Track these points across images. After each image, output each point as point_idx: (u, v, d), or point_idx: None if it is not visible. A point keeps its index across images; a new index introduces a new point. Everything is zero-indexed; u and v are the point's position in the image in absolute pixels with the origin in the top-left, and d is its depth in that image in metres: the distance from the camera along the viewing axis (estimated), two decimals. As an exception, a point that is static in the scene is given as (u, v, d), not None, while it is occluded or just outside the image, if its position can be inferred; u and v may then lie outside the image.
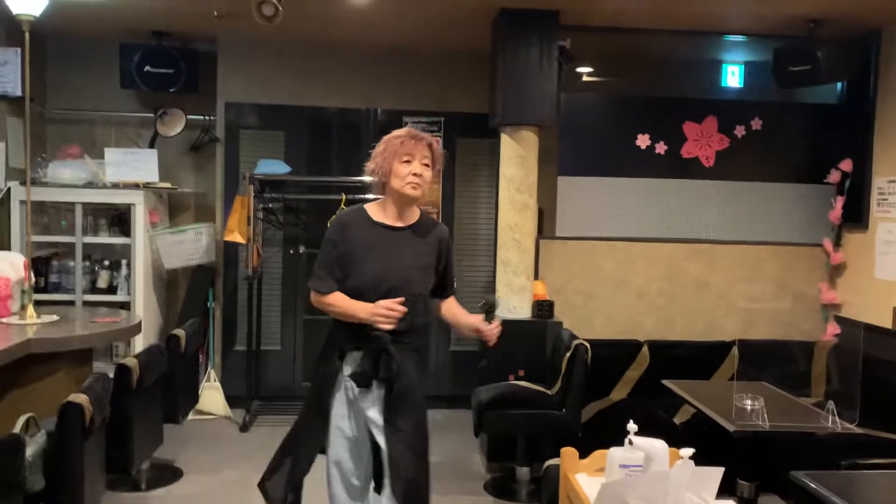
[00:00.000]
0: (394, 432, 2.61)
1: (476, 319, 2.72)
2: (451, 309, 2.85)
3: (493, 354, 4.66)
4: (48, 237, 5.41)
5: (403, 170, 2.60)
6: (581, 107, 5.30)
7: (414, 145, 2.61)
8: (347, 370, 2.65)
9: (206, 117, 5.82)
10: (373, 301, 2.59)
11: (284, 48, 5.67)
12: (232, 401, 5.55)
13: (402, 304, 2.58)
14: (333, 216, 2.87)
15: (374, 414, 2.64)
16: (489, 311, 2.69)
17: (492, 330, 2.69)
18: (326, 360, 2.72)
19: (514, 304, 4.69)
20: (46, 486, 2.73)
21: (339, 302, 2.64)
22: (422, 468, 2.65)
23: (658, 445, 2.16)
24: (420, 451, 2.65)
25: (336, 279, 2.66)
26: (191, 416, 5.22)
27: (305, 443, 2.73)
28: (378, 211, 2.71)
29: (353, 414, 2.68)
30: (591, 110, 5.36)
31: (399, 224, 2.69)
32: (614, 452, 2.19)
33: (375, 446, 2.69)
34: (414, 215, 2.71)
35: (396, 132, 2.68)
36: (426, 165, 2.63)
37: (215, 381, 5.63)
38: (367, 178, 2.78)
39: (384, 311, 2.54)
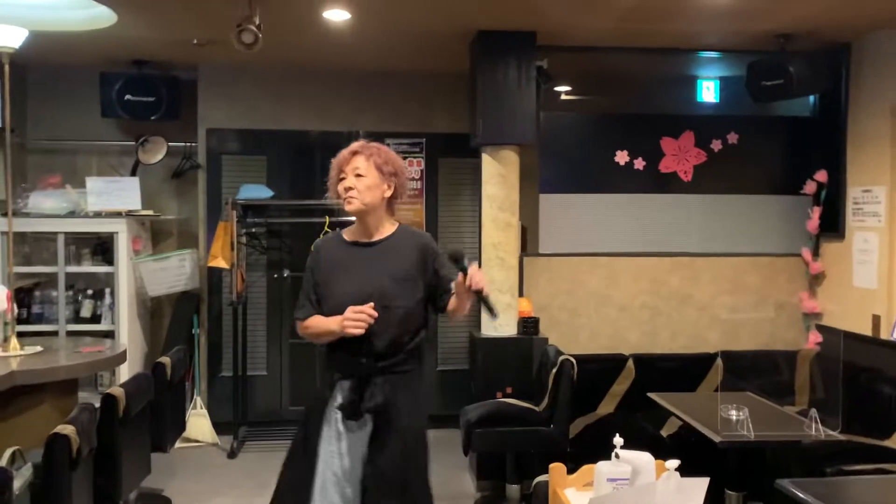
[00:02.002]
0: (375, 473, 2.49)
1: (457, 283, 2.50)
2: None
3: (482, 373, 4.68)
4: (30, 268, 5.38)
5: (340, 187, 2.56)
6: (560, 125, 5.36)
7: (342, 160, 2.57)
8: (337, 402, 2.55)
9: (188, 144, 5.83)
10: None
11: (265, 73, 5.71)
12: (219, 427, 5.52)
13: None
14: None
15: (362, 450, 2.54)
16: (457, 260, 2.49)
17: (472, 277, 2.42)
18: (317, 391, 2.64)
19: (500, 321, 4.71)
20: (34, 519, 2.71)
21: (314, 322, 2.59)
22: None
23: (644, 458, 2.18)
24: (407, 495, 2.52)
25: (313, 305, 2.62)
26: (178, 444, 5.18)
27: (294, 486, 2.57)
28: (350, 231, 2.68)
29: (346, 450, 2.54)
30: (570, 128, 5.42)
31: (372, 239, 2.61)
32: (601, 466, 2.21)
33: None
34: (387, 229, 2.63)
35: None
36: (358, 176, 2.53)
37: (202, 408, 5.60)
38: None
39: (352, 315, 2.43)
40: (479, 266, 2.53)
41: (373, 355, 2.52)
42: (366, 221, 2.60)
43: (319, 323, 2.57)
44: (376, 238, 2.61)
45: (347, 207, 2.55)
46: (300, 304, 2.66)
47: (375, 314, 2.44)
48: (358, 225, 2.64)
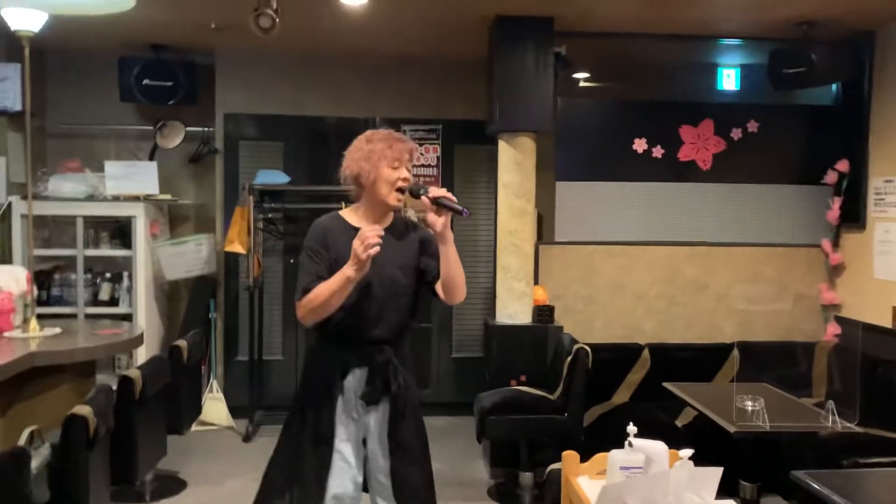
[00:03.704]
0: (400, 448, 2.56)
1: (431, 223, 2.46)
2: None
3: (496, 360, 4.68)
4: (50, 250, 5.43)
5: (393, 175, 2.47)
6: (578, 112, 5.33)
7: (401, 148, 2.50)
8: (349, 390, 2.54)
9: (205, 129, 5.85)
10: (364, 308, 2.50)
11: (282, 58, 5.71)
12: (235, 411, 5.57)
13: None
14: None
15: (378, 429, 2.57)
16: (413, 193, 2.48)
17: (430, 192, 2.43)
18: (320, 381, 2.57)
19: (515, 309, 4.70)
20: (51, 498, 2.74)
21: (323, 286, 2.41)
22: (428, 480, 2.61)
23: (658, 447, 2.17)
24: (425, 463, 2.62)
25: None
26: (194, 427, 5.22)
27: (311, 480, 2.54)
28: (354, 216, 2.58)
29: (353, 437, 2.57)
30: (588, 115, 5.38)
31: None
32: (615, 454, 2.21)
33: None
34: (390, 217, 2.61)
35: (375, 134, 2.53)
36: (409, 170, 2.53)
37: (218, 391, 5.64)
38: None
39: (371, 236, 2.31)
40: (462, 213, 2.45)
41: (386, 342, 2.54)
42: (386, 214, 2.59)
43: (328, 284, 2.40)
44: (382, 226, 2.54)
45: (396, 203, 2.51)
46: (304, 284, 2.47)
47: (382, 231, 2.37)
48: (373, 213, 2.56)
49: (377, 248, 2.32)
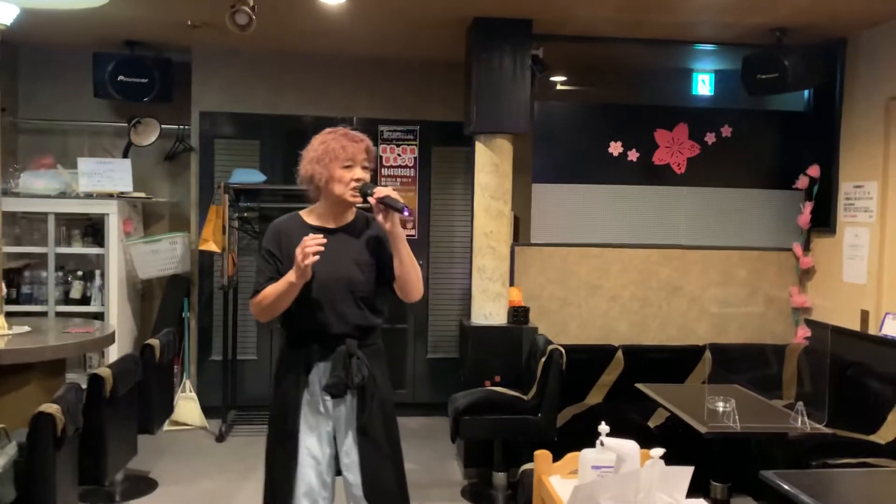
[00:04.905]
0: (368, 442, 2.55)
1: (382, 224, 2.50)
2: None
3: (471, 361, 4.69)
4: (20, 248, 5.35)
5: (346, 175, 2.49)
6: (554, 115, 5.36)
7: (355, 149, 2.51)
8: (314, 384, 2.56)
9: (181, 126, 5.80)
10: (323, 306, 2.52)
11: (259, 57, 5.67)
12: (208, 411, 5.52)
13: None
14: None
15: (346, 424, 2.57)
16: (362, 193, 2.51)
17: (376, 192, 2.46)
18: (287, 378, 2.59)
19: (490, 310, 4.72)
20: (18, 497, 2.71)
21: (270, 288, 2.48)
22: (400, 477, 2.61)
23: (629, 446, 2.19)
24: (396, 460, 2.61)
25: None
26: (166, 427, 5.19)
27: (280, 476, 2.57)
28: (313, 215, 2.61)
29: (320, 431, 2.57)
30: (565, 118, 5.41)
31: (336, 225, 2.59)
32: (586, 454, 2.22)
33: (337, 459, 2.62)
34: (350, 214, 2.63)
35: (329, 134, 2.54)
36: (365, 168, 2.53)
37: (191, 391, 5.59)
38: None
39: (310, 245, 2.35)
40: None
41: (348, 335, 2.54)
42: (345, 211, 2.61)
43: (274, 287, 2.47)
44: (341, 224, 2.60)
45: (353, 199, 2.53)
46: (256, 285, 2.55)
47: (324, 240, 2.39)
48: (331, 211, 2.59)
49: (317, 258, 2.37)
